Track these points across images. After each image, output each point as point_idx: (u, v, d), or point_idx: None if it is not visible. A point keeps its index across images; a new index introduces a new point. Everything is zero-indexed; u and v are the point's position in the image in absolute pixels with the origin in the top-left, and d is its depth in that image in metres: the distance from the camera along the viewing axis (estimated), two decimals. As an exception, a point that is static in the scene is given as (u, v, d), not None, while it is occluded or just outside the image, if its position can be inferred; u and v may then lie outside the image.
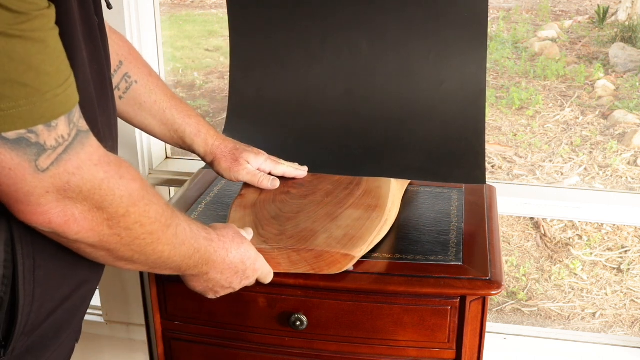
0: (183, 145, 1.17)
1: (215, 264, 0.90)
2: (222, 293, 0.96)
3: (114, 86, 1.00)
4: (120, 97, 1.09)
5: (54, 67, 0.63)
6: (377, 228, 1.07)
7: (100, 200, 0.69)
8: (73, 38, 0.71)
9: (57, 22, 0.65)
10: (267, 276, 1.00)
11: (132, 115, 1.12)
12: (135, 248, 0.76)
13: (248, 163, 1.16)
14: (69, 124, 0.65)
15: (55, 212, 0.67)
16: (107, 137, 0.84)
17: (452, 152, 1.25)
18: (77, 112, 0.67)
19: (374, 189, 1.18)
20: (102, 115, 0.81)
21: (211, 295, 0.96)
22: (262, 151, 1.20)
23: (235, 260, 0.92)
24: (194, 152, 1.17)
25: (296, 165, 1.23)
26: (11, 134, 0.61)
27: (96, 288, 0.88)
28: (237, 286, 0.96)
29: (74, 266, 0.78)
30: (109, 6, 0.90)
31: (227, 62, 1.36)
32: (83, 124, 0.68)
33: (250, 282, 0.97)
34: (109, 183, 0.70)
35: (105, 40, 0.85)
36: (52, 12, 0.63)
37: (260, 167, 1.18)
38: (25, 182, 0.64)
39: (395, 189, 1.21)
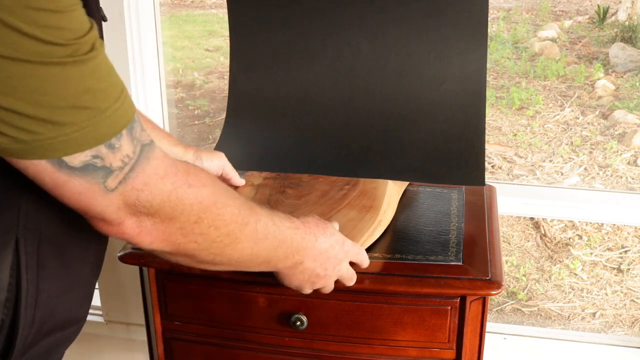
0: None
1: (306, 251, 0.89)
2: (319, 284, 0.94)
3: None
4: None
5: (108, 83, 0.63)
6: (369, 229, 1.07)
7: (170, 211, 0.70)
8: None
9: None
10: (352, 279, 0.98)
11: None
12: (214, 251, 0.77)
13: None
14: (132, 141, 0.65)
15: (128, 224, 0.68)
16: None
17: (452, 152, 1.25)
18: (137, 125, 0.66)
19: (370, 189, 1.18)
20: None
21: (307, 289, 0.94)
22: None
23: (325, 244, 0.91)
24: None
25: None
26: (77, 162, 0.61)
27: (80, 330, 0.85)
28: (332, 273, 0.94)
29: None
30: (104, 18, 0.89)
31: (227, 62, 1.36)
32: (145, 137, 0.67)
33: (341, 268, 0.95)
34: (177, 193, 0.70)
35: None
36: (94, 30, 0.62)
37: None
38: (96, 203, 0.65)
39: (392, 190, 1.20)
